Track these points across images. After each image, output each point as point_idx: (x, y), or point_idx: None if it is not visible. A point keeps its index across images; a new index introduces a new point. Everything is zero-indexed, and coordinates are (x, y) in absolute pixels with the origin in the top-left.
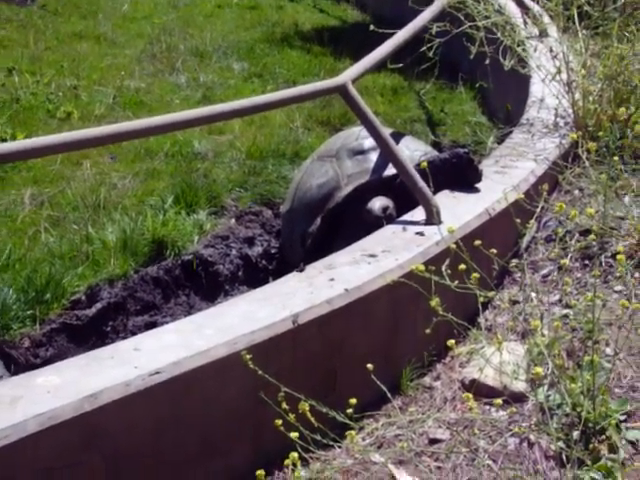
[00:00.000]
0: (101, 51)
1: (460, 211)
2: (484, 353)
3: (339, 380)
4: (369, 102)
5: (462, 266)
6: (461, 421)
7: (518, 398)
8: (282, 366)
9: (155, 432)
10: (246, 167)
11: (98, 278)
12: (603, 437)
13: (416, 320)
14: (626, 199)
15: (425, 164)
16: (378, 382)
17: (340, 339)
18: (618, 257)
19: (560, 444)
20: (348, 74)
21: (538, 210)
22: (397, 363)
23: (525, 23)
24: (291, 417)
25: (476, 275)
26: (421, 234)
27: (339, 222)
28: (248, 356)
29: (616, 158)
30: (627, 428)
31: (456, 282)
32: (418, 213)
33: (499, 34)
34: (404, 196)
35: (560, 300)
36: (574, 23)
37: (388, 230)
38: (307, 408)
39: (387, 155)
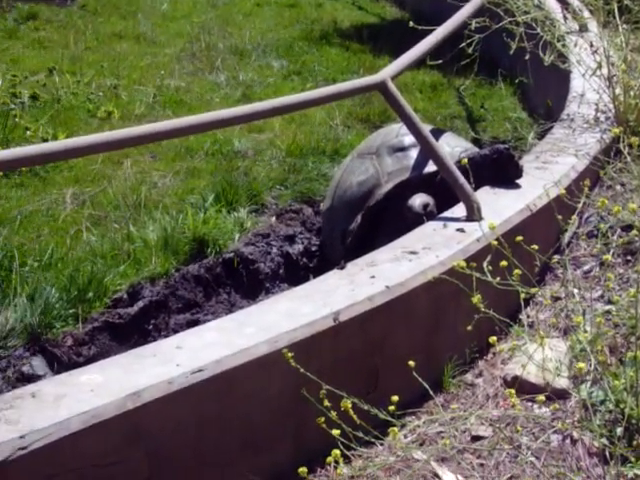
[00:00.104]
0: (141, 50)
1: (501, 207)
2: (526, 350)
3: (381, 377)
4: (408, 99)
5: (503, 262)
6: (503, 418)
7: (561, 395)
8: (323, 364)
9: (197, 430)
10: (286, 165)
11: (140, 276)
12: None
13: (457, 317)
14: None
15: (465, 160)
16: (420, 379)
17: (381, 336)
18: None
19: (603, 441)
20: (387, 71)
21: (579, 206)
22: (438, 360)
23: (565, 18)
24: (333, 415)
25: (518, 271)
26: (462, 231)
27: (380, 219)
28: (290, 354)
29: None
30: None
31: (497, 278)
32: (459, 210)
33: (539, 29)
34: (444, 193)
35: (602, 296)
36: (614, 17)
37: (429, 227)
38: (349, 405)
39: (427, 152)
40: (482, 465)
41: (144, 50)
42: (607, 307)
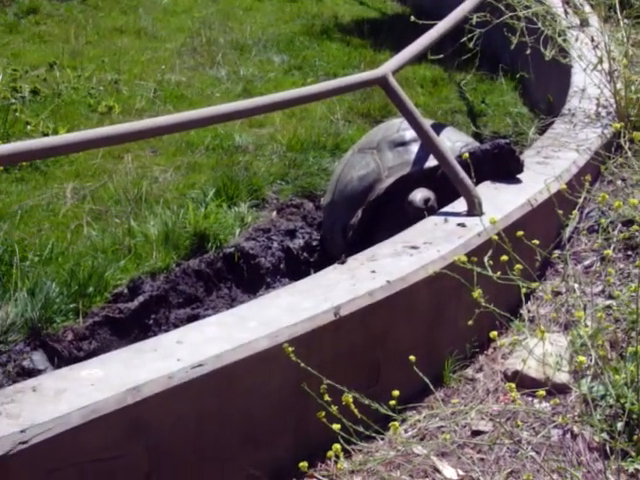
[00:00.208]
0: (142, 45)
1: (502, 202)
2: (527, 344)
3: (381, 372)
4: (409, 94)
5: (504, 257)
6: (504, 413)
7: (561, 389)
8: (324, 358)
9: (198, 424)
10: (287, 160)
11: (140, 271)
12: None
13: (458, 312)
14: None
15: (466, 155)
16: (420, 374)
17: (382, 331)
18: None
19: (604, 435)
20: (388, 66)
21: (580, 201)
22: (439, 355)
23: (566, 13)
24: (333, 409)
25: (518, 266)
26: (463, 225)
27: (380, 214)
28: (290, 348)
29: None
30: None
31: (498, 273)
32: (459, 204)
33: (540, 24)
34: (445, 187)
35: (603, 291)
36: (615, 12)
37: (430, 222)
38: (350, 400)
39: (428, 146)
40: (482, 460)
41: (145, 45)
42: (608, 302)
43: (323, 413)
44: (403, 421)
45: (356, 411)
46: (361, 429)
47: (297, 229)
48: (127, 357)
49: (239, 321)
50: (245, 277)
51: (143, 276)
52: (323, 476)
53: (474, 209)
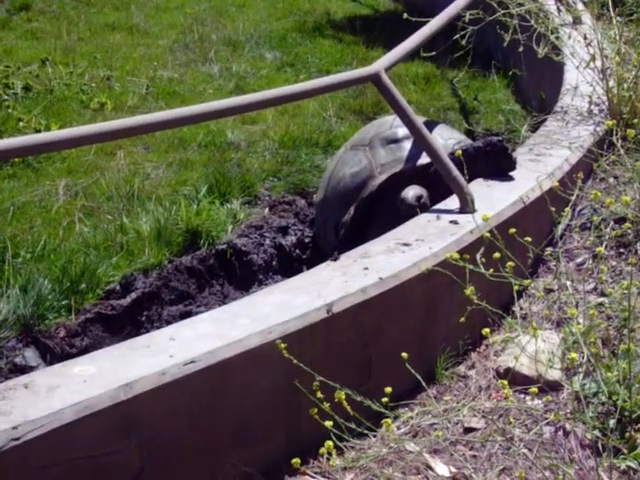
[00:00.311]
0: (134, 42)
1: (494, 199)
2: (519, 342)
3: (374, 369)
4: (402, 91)
5: (496, 254)
6: (496, 410)
7: (553, 387)
8: (316, 355)
9: (190, 421)
10: (279, 156)
11: (132, 268)
12: (639, 425)
13: (451, 309)
14: None
15: (459, 152)
16: (413, 371)
17: (374, 328)
18: None
19: (596, 433)
20: (381, 63)
21: (573, 198)
22: (432, 352)
23: (559, 10)
24: (326, 406)
25: (511, 263)
26: (455, 223)
27: (373, 211)
28: (283, 345)
29: None
30: None
31: (490, 270)
32: (452, 202)
33: (532, 21)
34: (438, 185)
35: (595, 288)
36: (608, 10)
37: (422, 219)
38: (343, 397)
39: (421, 144)
40: (475, 457)
41: (137, 41)
42: (600, 299)
43: (315, 410)
44: (395, 418)
45: (348, 408)
46: (353, 426)
47: (289, 226)
48: (120, 354)
49: (231, 318)
50: (237, 274)
51: (135, 273)
52: (315, 473)
53: (466, 206)
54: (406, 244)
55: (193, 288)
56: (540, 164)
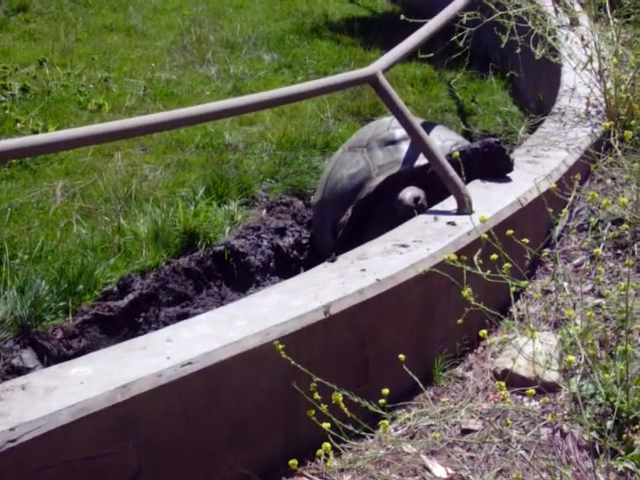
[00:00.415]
0: (132, 43)
1: (492, 201)
2: (516, 343)
3: (371, 370)
4: (400, 92)
5: (494, 256)
6: (493, 411)
7: (551, 388)
8: (314, 357)
9: (187, 422)
10: (277, 158)
11: (130, 269)
12: (636, 427)
13: (448, 310)
14: None
15: (456, 154)
16: (410, 372)
17: (372, 329)
18: None
19: (593, 434)
20: (379, 64)
21: (570, 199)
22: (429, 353)
23: (556, 12)
24: (323, 407)
25: (508, 265)
26: (453, 224)
27: (370, 212)
28: (280, 346)
29: None
30: None
31: (488, 272)
32: (449, 203)
33: (530, 23)
34: (435, 186)
35: (593, 290)
36: (605, 11)
37: (420, 220)
38: (340, 398)
39: (418, 145)
40: (472, 458)
41: (135, 43)
42: (597, 301)
43: (313, 411)
44: (393, 420)
45: (346, 409)
46: (351, 428)
47: (287, 227)
48: (117, 355)
49: (229, 319)
50: (235, 275)
51: (133, 274)
52: (313, 474)
53: (464, 208)
54: (403, 245)
55: (190, 289)
56: (538, 165)
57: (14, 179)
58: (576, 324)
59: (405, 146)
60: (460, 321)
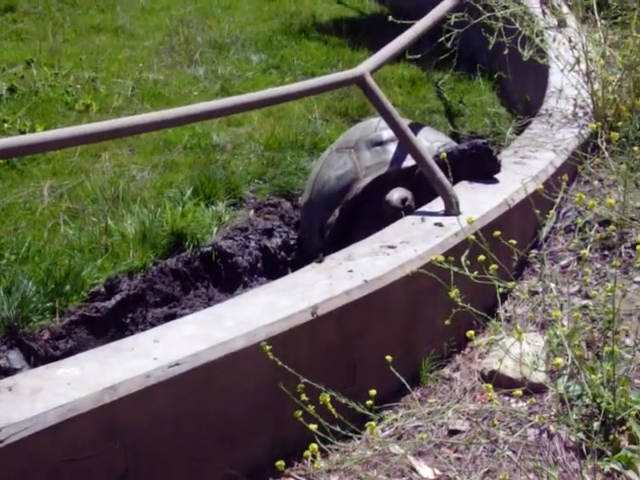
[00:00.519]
0: (119, 43)
1: (479, 202)
2: (504, 344)
3: (358, 371)
4: (387, 93)
5: (481, 257)
6: (481, 412)
7: (538, 389)
8: (301, 357)
9: (174, 423)
10: (264, 159)
11: (117, 270)
12: (623, 428)
13: (435, 311)
14: None
15: (444, 155)
16: (397, 373)
17: (359, 330)
18: (638, 247)
19: (580, 435)
20: (366, 65)
21: (557, 201)
22: (416, 354)
23: (544, 13)
24: (310, 409)
25: (495, 266)
26: (440, 225)
27: (358, 213)
28: (268, 347)
29: (636, 148)
30: None
31: (475, 273)
32: (437, 204)
33: (517, 24)
34: (423, 187)
35: (580, 291)
36: (593, 13)
37: (407, 221)
38: (328, 399)
39: (406, 146)
40: (459, 459)
41: (122, 43)
42: (584, 302)
43: (300, 413)
44: (380, 420)
45: (333, 411)
46: (338, 429)
47: (274, 228)
48: (104, 356)
49: (216, 320)
50: (222, 276)
51: (120, 275)
52: (300, 475)
53: (451, 209)
54: (391, 246)
55: (178, 290)
56: (525, 167)
57: (1, 179)
58: (563, 325)
59: (393, 147)
60: (447, 322)
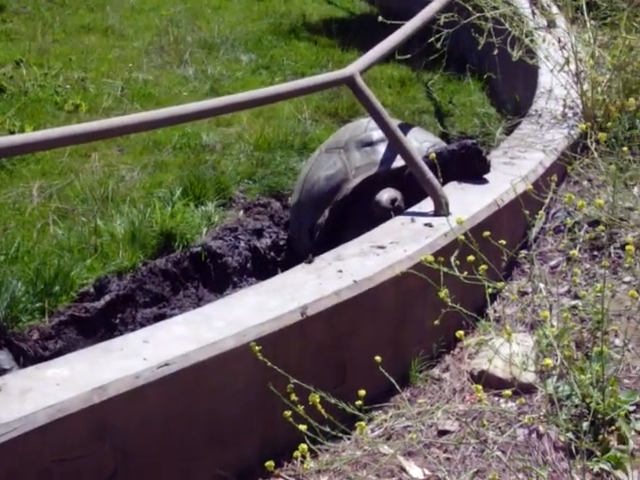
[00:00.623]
0: (109, 43)
1: (468, 202)
2: (493, 344)
3: (348, 372)
4: (377, 93)
5: (471, 257)
6: (470, 412)
7: (527, 389)
8: (291, 358)
9: (164, 424)
10: (254, 159)
11: (106, 270)
12: (612, 428)
13: (425, 311)
14: (635, 190)
15: (433, 155)
16: (386, 374)
17: (349, 331)
18: (627, 248)
19: (569, 435)
20: (356, 65)
21: (547, 201)
22: (406, 355)
23: (533, 14)
24: (300, 409)
25: (484, 266)
26: (429, 225)
27: (347, 214)
28: (257, 348)
29: (625, 149)
30: (636, 419)
31: (465, 273)
32: (426, 204)
33: (507, 25)
34: (412, 187)
35: (569, 291)
36: (582, 13)
37: (396, 221)
38: (317, 400)
39: (395, 146)
40: (449, 459)
41: (112, 43)
42: (573, 302)
43: (290, 413)
44: (369, 421)
45: (323, 411)
46: (328, 429)
47: (264, 228)
48: (93, 356)
49: (206, 320)
50: (212, 276)
51: (109, 275)
52: (290, 476)
53: (441, 209)
54: (380, 247)
55: (167, 291)
56: (514, 167)
57: None
58: (552, 325)
59: (382, 148)
60: (437, 322)
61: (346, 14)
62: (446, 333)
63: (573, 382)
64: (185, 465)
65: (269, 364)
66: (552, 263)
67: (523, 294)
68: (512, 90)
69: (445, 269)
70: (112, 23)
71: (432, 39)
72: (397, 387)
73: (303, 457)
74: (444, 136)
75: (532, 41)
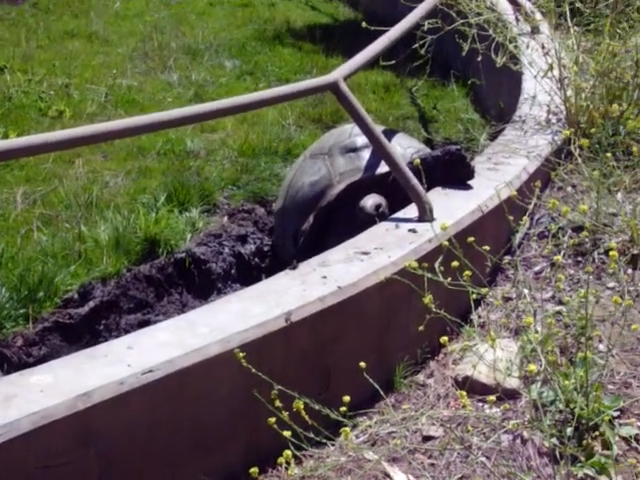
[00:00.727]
0: (93, 49)
1: (452, 208)
2: (477, 350)
3: (332, 378)
4: (361, 99)
5: (455, 263)
6: (454, 418)
7: (511, 395)
8: (275, 364)
9: (148, 430)
10: (238, 165)
11: (91, 276)
12: (596, 433)
13: (409, 317)
14: (618, 196)
15: (418, 161)
16: (371, 380)
17: (333, 337)
18: (611, 253)
19: (553, 440)
20: (340, 71)
21: (531, 207)
22: (390, 360)
23: (517, 20)
24: (284, 415)
25: (468, 272)
26: (414, 231)
27: (331, 220)
28: (241, 354)
29: (609, 155)
30: (620, 424)
31: (449, 279)
32: (411, 210)
33: (491, 31)
34: (397, 193)
35: (553, 297)
36: (566, 20)
37: (381, 227)
38: (302, 406)
39: (379, 152)
40: (433, 465)
41: (96, 49)
42: (558, 308)
43: (274, 419)
44: (354, 427)
45: (307, 417)
46: (312, 435)
47: (248, 234)
48: (77, 363)
49: (190, 326)
50: (196, 282)
51: (93, 281)
52: None
53: (425, 215)
54: (365, 253)
55: (152, 297)
56: (498, 173)
57: None
58: (536, 331)
59: (366, 153)
60: (421, 328)
61: (330, 20)
62: (430, 339)
63: (557, 388)
64: (169, 471)
65: (253, 370)
66: (536, 269)
67: (507, 300)
68: (496, 96)
69: (429, 275)
70: (96, 29)
71: (416, 45)
72: (382, 393)
73: (287, 463)
74: (428, 142)
75: (516, 47)
